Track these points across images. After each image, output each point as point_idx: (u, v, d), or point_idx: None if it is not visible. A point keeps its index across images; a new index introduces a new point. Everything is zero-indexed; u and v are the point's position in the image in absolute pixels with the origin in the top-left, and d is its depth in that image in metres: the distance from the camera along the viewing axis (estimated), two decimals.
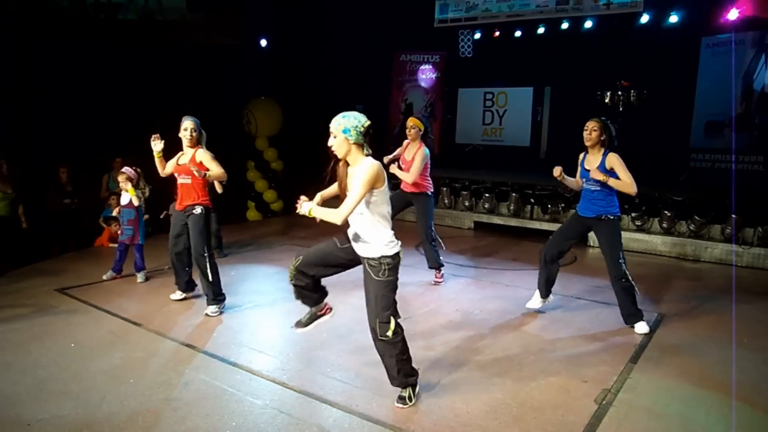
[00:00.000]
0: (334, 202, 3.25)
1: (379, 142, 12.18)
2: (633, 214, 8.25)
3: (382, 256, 3.22)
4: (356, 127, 3.13)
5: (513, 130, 11.47)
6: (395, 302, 3.30)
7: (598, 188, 4.58)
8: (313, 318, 3.74)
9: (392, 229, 3.30)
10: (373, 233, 3.23)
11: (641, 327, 4.68)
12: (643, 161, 9.48)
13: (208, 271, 4.91)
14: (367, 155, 3.19)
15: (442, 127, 12.25)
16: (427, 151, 5.90)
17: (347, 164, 3.28)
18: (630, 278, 4.65)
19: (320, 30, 11.14)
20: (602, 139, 4.53)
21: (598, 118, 4.59)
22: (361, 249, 3.29)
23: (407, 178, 5.80)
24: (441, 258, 6.16)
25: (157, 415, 3.23)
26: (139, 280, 5.97)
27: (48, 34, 9.76)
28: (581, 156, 4.78)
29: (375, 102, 12.47)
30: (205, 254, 4.90)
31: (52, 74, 8.86)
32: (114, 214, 6.46)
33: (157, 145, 4.97)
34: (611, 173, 4.46)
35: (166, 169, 5.07)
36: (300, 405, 3.41)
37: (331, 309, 3.81)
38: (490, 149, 11.85)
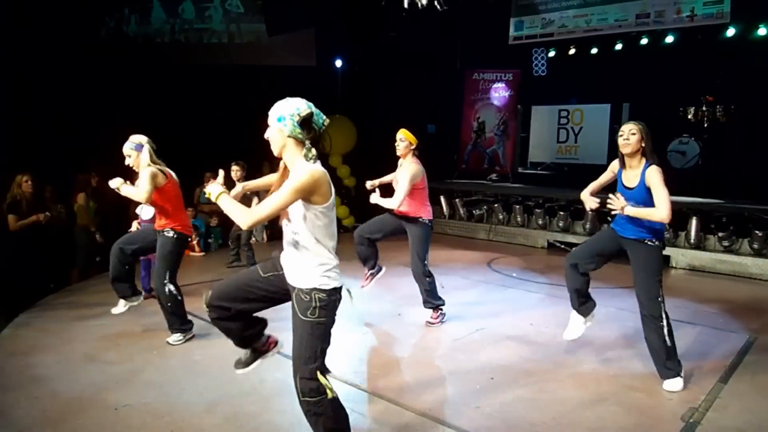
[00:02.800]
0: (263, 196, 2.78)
1: (451, 160, 12.19)
2: (720, 234, 7.80)
3: (314, 289, 2.53)
4: (292, 115, 2.48)
5: (589, 148, 11.15)
6: (323, 353, 2.55)
7: (641, 206, 3.68)
8: (256, 355, 3.06)
9: (334, 258, 2.62)
10: (307, 258, 2.56)
11: (673, 384, 3.71)
12: (730, 179, 8.99)
13: (168, 302, 4.42)
14: (309, 159, 2.52)
15: (516, 145, 12.09)
16: (418, 168, 4.87)
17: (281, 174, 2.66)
18: (667, 321, 3.72)
19: (393, 50, 11.33)
20: (643, 146, 3.67)
21: (636, 121, 3.76)
22: (291, 276, 2.62)
23: (391, 204, 4.71)
24: (440, 297, 5.10)
25: (234, 407, 3.32)
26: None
27: (143, 59, 10.50)
28: (615, 165, 3.90)
29: (447, 121, 12.51)
30: (165, 281, 4.39)
31: (150, 96, 9.41)
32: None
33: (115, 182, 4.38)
34: (649, 192, 3.61)
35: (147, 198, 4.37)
36: (373, 405, 3.42)
37: (276, 342, 3.12)
38: (564, 167, 11.58)
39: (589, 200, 4.03)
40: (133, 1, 10.92)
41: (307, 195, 2.45)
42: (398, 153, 4.96)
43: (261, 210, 2.43)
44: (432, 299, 5.02)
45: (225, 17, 11.18)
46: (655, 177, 3.57)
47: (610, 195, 3.69)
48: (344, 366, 4.03)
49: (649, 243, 3.73)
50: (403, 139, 4.90)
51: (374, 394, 3.59)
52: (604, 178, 4.07)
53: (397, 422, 3.22)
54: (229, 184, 2.83)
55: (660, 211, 3.51)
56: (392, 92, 11.28)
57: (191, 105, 9.60)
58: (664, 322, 3.69)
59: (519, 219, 9.89)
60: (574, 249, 4.21)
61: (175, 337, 4.48)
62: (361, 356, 4.33)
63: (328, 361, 2.59)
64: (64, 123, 8.20)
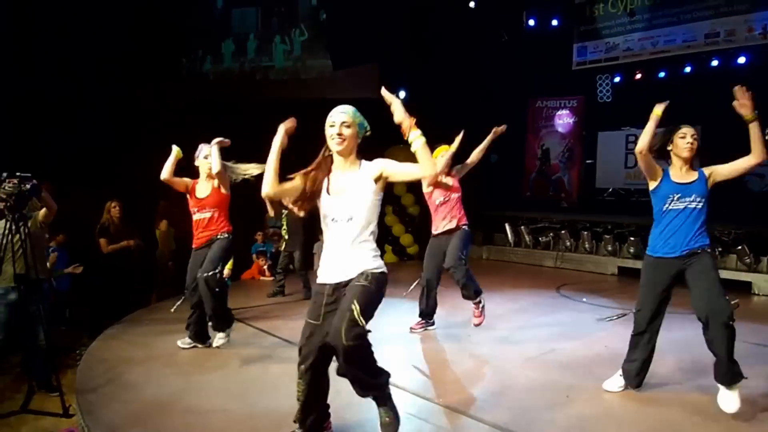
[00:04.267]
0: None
1: (516, 186, 12.09)
2: None
3: (366, 270, 2.72)
4: (367, 128, 2.87)
5: None
6: (369, 316, 2.68)
7: (699, 204, 3.46)
8: None
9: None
10: (362, 249, 2.76)
11: (731, 400, 3.38)
12: None
13: (217, 287, 4.55)
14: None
15: (581, 171, 11.91)
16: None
17: (329, 168, 2.87)
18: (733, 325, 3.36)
19: (456, 79, 11.49)
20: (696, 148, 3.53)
21: (686, 126, 3.58)
22: (343, 273, 2.77)
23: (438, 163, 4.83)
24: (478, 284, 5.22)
25: None
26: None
27: (216, 95, 11.13)
28: (659, 171, 3.62)
29: (510, 148, 12.47)
30: (214, 271, 4.52)
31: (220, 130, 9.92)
32: None
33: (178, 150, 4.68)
34: (707, 187, 3.48)
35: (171, 176, 4.66)
36: (448, 419, 3.43)
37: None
38: (633, 193, 11.28)
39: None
40: (206, 43, 11.65)
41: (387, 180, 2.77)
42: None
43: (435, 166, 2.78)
44: (471, 284, 5.12)
45: (288, 55, 11.72)
46: (715, 166, 3.51)
47: (741, 90, 3.40)
48: (418, 381, 4.08)
49: (707, 250, 3.50)
50: (444, 154, 5.22)
51: (449, 408, 3.58)
52: (654, 162, 3.66)
53: None
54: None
55: (763, 149, 3.33)
56: (455, 122, 11.38)
57: (258, 138, 10.04)
58: (733, 323, 3.34)
59: (587, 246, 9.68)
60: (638, 313, 3.74)
61: (220, 336, 4.71)
62: (435, 372, 4.36)
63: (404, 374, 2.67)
64: (148, 155, 8.75)
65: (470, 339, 5.15)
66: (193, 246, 4.78)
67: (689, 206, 3.48)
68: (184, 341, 4.86)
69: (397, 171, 2.78)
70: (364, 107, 2.92)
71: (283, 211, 7.12)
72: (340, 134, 2.74)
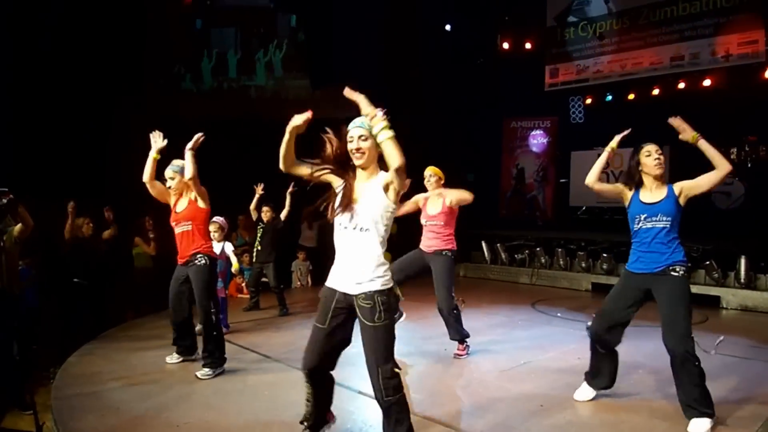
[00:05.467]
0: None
1: (492, 205, 12.25)
2: None
3: (377, 292, 2.74)
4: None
5: None
6: (393, 349, 2.80)
7: (667, 224, 3.50)
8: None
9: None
10: (371, 259, 2.78)
11: (700, 426, 3.37)
12: None
13: (213, 331, 4.43)
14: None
15: (555, 190, 12.16)
16: None
17: (353, 177, 2.89)
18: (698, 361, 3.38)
19: (433, 100, 11.70)
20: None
21: (651, 144, 3.64)
22: (351, 284, 2.79)
23: (466, 195, 4.98)
24: (464, 330, 5.12)
25: (291, 428, 3.41)
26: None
27: (193, 113, 11.16)
28: (629, 191, 3.69)
29: (486, 168, 12.70)
30: (212, 311, 4.44)
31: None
32: None
33: (158, 141, 4.44)
34: (677, 206, 3.52)
35: (152, 180, 4.50)
36: (422, 430, 3.47)
37: (334, 416, 3.22)
38: (606, 211, 11.54)
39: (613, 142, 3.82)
40: (185, 59, 11.72)
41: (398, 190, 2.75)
42: (431, 189, 5.12)
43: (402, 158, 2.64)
44: (459, 331, 5.03)
45: (269, 73, 11.82)
46: (684, 182, 3.53)
47: (677, 119, 3.58)
48: None
49: (678, 270, 3.48)
50: (433, 174, 5.11)
51: (429, 419, 3.63)
52: (610, 186, 3.89)
53: None
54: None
55: (724, 160, 3.42)
56: (432, 142, 11.59)
57: (235, 156, 10.07)
58: (698, 361, 3.38)
59: (562, 262, 9.86)
60: (595, 318, 3.80)
61: (206, 371, 4.39)
62: (413, 386, 4.38)
63: None
64: (123, 172, 8.74)
65: (446, 352, 5.21)
66: (177, 261, 4.67)
67: (656, 226, 3.52)
68: (172, 357, 4.82)
69: (396, 180, 2.74)
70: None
71: (259, 224, 7.21)
72: (359, 149, 2.79)
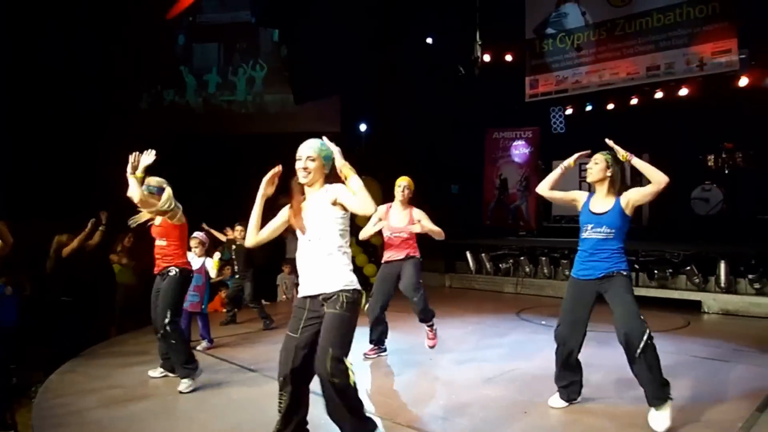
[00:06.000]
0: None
1: (475, 216, 12.29)
2: (750, 276, 7.75)
3: (341, 291, 2.90)
4: (332, 159, 3.03)
5: None
6: (349, 345, 2.91)
7: (610, 235, 3.61)
8: None
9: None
10: (333, 261, 2.96)
11: (660, 420, 3.47)
12: (755, 222, 8.98)
13: (173, 339, 4.42)
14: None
15: (538, 200, 12.25)
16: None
17: (301, 198, 3.09)
18: (653, 344, 3.49)
19: (415, 114, 11.79)
20: (609, 175, 3.68)
21: (605, 152, 3.74)
22: (317, 285, 2.96)
23: (439, 232, 5.03)
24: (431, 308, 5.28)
25: None
26: (199, 348, 5.68)
27: (177, 129, 11.17)
28: (582, 198, 3.86)
29: (469, 179, 12.80)
30: (166, 321, 4.40)
31: (181, 165, 9.94)
32: None
33: (147, 159, 4.40)
34: (622, 219, 3.62)
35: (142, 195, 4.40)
36: None
37: None
38: None
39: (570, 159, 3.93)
40: (167, 78, 11.73)
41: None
42: (401, 199, 5.15)
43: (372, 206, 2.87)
44: (426, 310, 5.19)
45: (250, 89, 11.86)
46: (632, 191, 3.62)
47: (609, 141, 3.70)
48: (376, 401, 4.12)
49: (623, 274, 3.62)
50: (408, 186, 5.17)
51: (409, 426, 3.64)
52: (563, 193, 4.01)
53: None
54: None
55: (659, 174, 3.51)
56: (415, 155, 11.67)
57: (218, 172, 10.08)
58: (652, 342, 3.47)
59: (546, 271, 9.93)
60: (560, 330, 3.90)
61: (185, 383, 4.36)
62: (394, 393, 4.41)
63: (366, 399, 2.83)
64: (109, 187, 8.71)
65: (431, 362, 5.23)
66: (155, 272, 4.72)
67: (600, 236, 3.63)
68: (155, 371, 4.80)
69: (346, 201, 2.94)
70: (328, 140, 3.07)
71: (233, 244, 7.20)
72: (305, 168, 3.00)
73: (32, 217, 7.05)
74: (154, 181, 4.57)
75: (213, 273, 6.09)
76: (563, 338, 3.84)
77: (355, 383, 2.86)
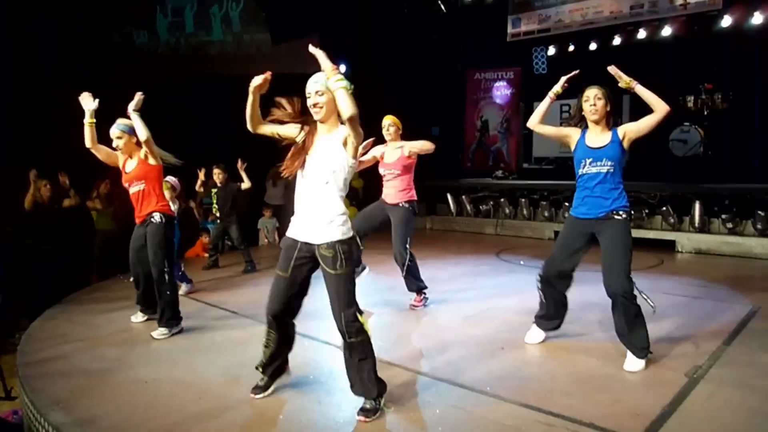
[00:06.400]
0: None
1: (456, 159, 12.32)
2: (723, 216, 7.93)
3: (337, 242, 2.87)
4: (347, 87, 2.77)
5: None
6: (355, 295, 2.96)
7: (611, 168, 3.55)
8: (272, 380, 3.27)
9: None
10: (330, 210, 2.90)
11: (634, 363, 3.55)
12: (732, 163, 9.11)
13: (168, 290, 4.39)
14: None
15: (519, 141, 12.26)
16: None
17: (314, 132, 2.99)
18: (637, 301, 3.53)
19: (396, 52, 11.56)
20: (608, 110, 3.61)
21: (598, 85, 3.63)
22: (312, 233, 2.92)
23: (427, 145, 4.98)
24: (422, 279, 5.18)
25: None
26: (180, 292, 5.51)
27: (150, 71, 10.82)
28: (575, 134, 3.76)
29: (451, 120, 12.71)
30: (165, 270, 4.37)
31: (157, 107, 9.69)
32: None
33: (89, 103, 4.24)
34: (621, 150, 3.58)
35: (94, 144, 4.36)
36: (387, 372, 3.58)
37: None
38: (568, 161, 11.71)
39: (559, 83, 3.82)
40: (138, 17, 11.26)
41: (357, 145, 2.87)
42: (389, 139, 5.08)
43: (356, 113, 2.72)
44: (414, 283, 5.10)
45: (226, 29, 11.48)
46: (629, 125, 3.58)
47: (612, 67, 3.63)
48: None
49: (620, 214, 3.58)
50: (393, 124, 5.07)
51: (389, 363, 3.71)
52: (553, 129, 3.94)
53: (410, 385, 3.39)
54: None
55: (661, 103, 3.47)
56: (396, 96, 11.52)
57: (194, 115, 9.85)
58: (635, 298, 3.52)
59: (525, 212, 10.06)
60: (546, 265, 3.94)
61: (162, 331, 4.37)
62: (375, 334, 4.46)
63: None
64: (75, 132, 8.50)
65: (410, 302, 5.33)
66: (135, 221, 4.60)
67: (601, 170, 3.57)
68: (137, 316, 4.81)
69: (354, 137, 2.84)
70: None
71: (213, 188, 7.15)
72: (316, 104, 2.88)
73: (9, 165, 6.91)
74: (124, 120, 4.39)
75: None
76: (549, 274, 3.89)
77: (369, 335, 2.95)
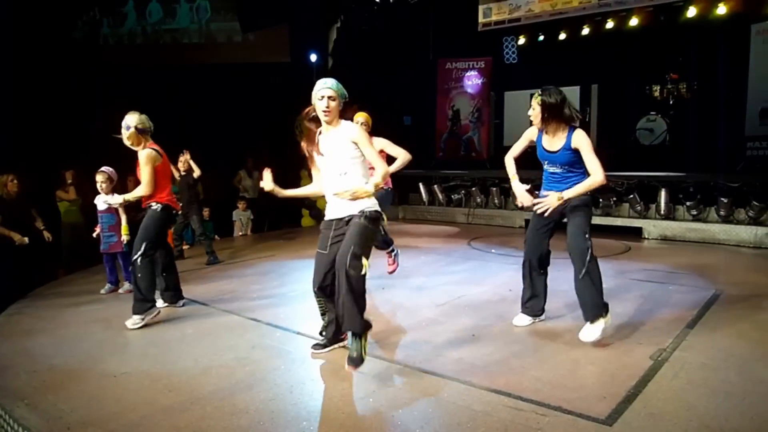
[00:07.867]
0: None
1: (427, 149, 12.35)
2: (688, 203, 8.12)
3: (362, 211, 3.26)
4: (346, 97, 3.34)
5: None
6: (369, 251, 3.28)
7: (564, 169, 3.79)
8: (333, 341, 3.70)
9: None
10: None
11: (596, 328, 3.72)
12: (696, 152, 9.31)
13: (139, 273, 4.40)
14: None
15: (490, 131, 12.33)
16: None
17: (318, 133, 3.39)
18: (594, 264, 3.74)
19: (367, 41, 11.50)
20: (546, 116, 3.69)
21: (539, 92, 3.71)
22: (345, 210, 3.31)
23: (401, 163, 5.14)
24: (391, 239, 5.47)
25: (229, 369, 3.48)
26: (121, 291, 5.46)
27: (116, 61, 10.59)
28: (534, 135, 3.94)
29: (422, 110, 12.72)
30: (140, 252, 4.40)
31: (124, 96, 9.50)
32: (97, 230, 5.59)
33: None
34: (575, 154, 3.70)
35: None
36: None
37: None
38: None
39: (523, 196, 3.98)
40: (103, 4, 10.98)
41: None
42: None
43: (382, 163, 3.38)
44: (385, 240, 5.37)
45: (194, 17, 11.28)
46: (583, 141, 3.65)
47: (539, 200, 3.79)
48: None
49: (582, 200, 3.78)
50: (366, 122, 5.16)
51: None
52: (522, 145, 4.07)
53: (382, 373, 3.40)
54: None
55: (595, 176, 3.60)
56: (367, 86, 11.47)
57: (166, 105, 9.68)
58: (594, 261, 3.71)
59: (496, 201, 10.15)
60: (526, 247, 4.16)
61: (135, 319, 4.35)
62: None
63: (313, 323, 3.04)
64: (43, 122, 8.28)
65: (383, 291, 5.35)
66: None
67: (556, 171, 3.85)
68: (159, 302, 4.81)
69: (365, 151, 3.32)
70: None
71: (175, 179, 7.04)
72: (327, 108, 3.22)
73: None
74: (125, 120, 4.55)
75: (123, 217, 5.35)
76: (531, 257, 4.13)
77: (365, 275, 3.21)
